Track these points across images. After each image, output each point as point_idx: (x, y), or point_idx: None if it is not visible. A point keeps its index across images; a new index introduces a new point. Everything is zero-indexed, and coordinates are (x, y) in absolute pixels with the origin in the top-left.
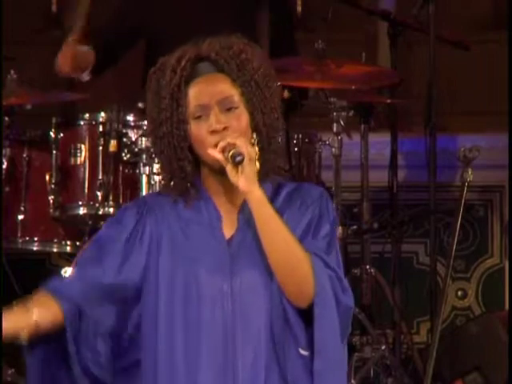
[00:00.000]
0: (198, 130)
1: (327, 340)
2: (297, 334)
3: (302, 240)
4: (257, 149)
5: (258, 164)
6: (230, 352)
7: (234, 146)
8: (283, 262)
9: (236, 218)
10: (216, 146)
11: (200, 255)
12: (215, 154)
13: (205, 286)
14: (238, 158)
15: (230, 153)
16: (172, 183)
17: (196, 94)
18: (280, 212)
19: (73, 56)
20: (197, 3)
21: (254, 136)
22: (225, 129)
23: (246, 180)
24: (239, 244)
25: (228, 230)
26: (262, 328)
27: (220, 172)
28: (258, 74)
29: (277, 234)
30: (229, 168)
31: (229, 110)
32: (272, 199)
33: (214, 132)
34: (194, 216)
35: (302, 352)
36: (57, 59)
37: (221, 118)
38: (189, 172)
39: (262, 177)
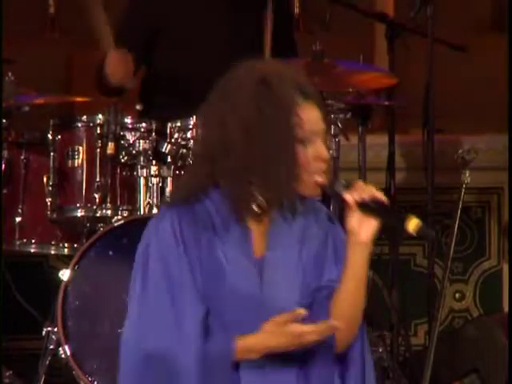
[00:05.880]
0: (304, 153)
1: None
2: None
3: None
4: None
5: None
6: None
7: (375, 198)
8: (355, 318)
9: (265, 239)
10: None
11: (232, 275)
12: (349, 198)
13: (235, 305)
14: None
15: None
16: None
17: (311, 118)
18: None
19: (124, 61)
20: (199, 3)
21: None
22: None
23: (372, 231)
24: (271, 264)
25: (258, 250)
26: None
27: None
28: None
29: (360, 292)
30: (358, 214)
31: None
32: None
33: (321, 159)
34: (227, 234)
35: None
36: (105, 69)
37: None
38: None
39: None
